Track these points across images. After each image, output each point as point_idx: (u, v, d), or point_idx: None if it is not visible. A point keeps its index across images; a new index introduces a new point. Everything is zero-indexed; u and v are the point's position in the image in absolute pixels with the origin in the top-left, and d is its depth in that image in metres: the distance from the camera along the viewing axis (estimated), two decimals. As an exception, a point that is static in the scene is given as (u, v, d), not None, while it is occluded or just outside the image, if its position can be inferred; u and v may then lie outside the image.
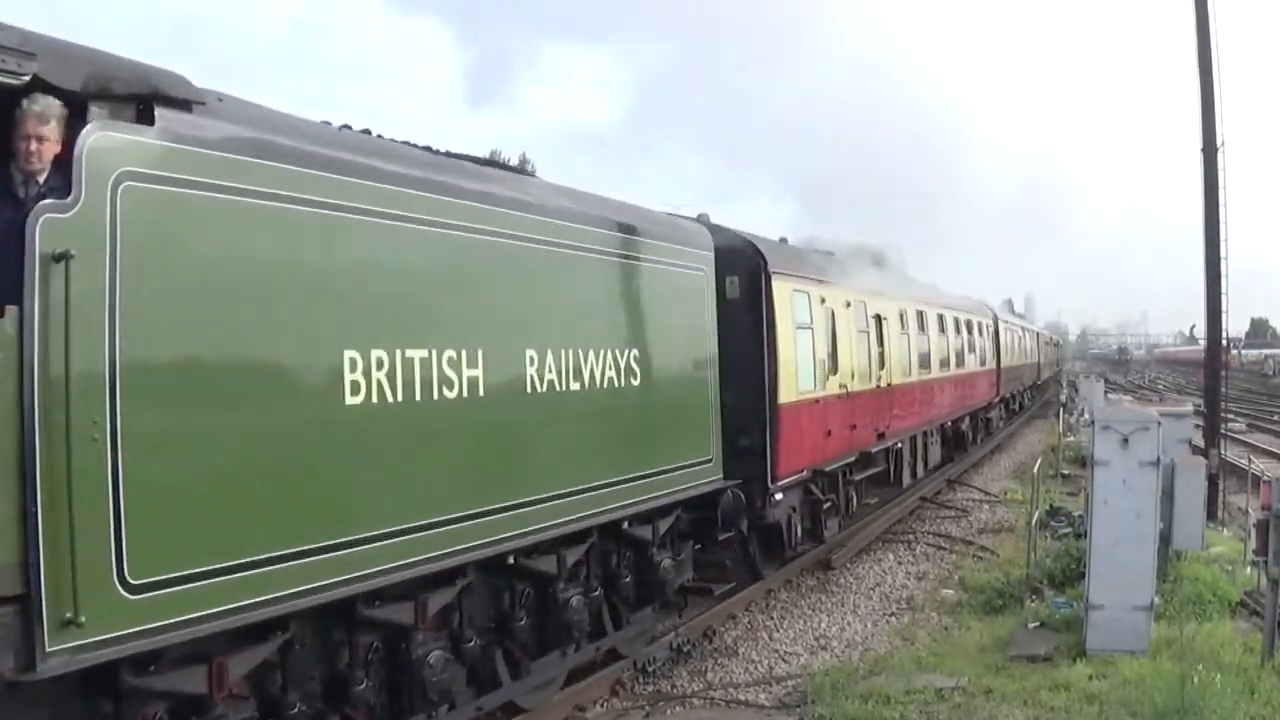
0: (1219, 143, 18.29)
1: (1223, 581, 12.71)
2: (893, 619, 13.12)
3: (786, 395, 13.02)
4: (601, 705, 9.90)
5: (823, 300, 14.73)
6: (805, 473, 13.95)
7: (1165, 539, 11.80)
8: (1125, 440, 10.47)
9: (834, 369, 14.99)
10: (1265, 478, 11.80)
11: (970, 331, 27.71)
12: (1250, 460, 21.77)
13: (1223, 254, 18.38)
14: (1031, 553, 14.09)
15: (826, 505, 15.09)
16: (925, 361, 21.66)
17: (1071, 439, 29.85)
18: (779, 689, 10.32)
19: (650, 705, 9.93)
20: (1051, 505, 18.67)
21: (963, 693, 9.49)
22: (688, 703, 10.05)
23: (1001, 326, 33.82)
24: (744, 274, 12.62)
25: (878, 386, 17.51)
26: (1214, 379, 19.82)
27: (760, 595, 13.76)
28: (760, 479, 12.62)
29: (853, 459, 16.18)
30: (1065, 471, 24.46)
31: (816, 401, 14.23)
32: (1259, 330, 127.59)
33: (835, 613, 13.42)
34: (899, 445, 19.14)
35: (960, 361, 25.75)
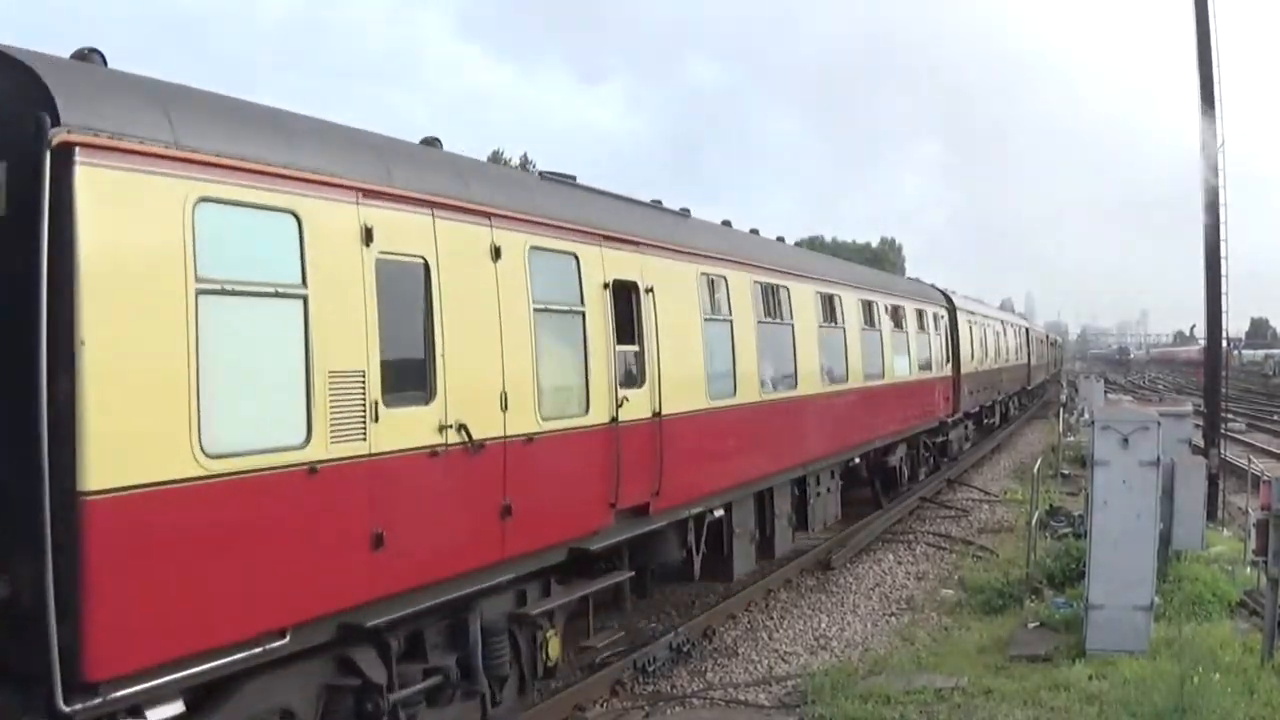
0: (1219, 143, 18.35)
1: (1223, 581, 12.74)
2: (892, 619, 13.12)
3: (134, 469, 5.43)
4: (601, 705, 9.90)
5: (367, 236, 6.93)
6: (288, 639, 6.35)
7: (1165, 539, 11.83)
8: (1125, 440, 10.48)
9: (428, 395, 7.44)
10: (1265, 478, 11.80)
11: (903, 324, 20.61)
12: (1250, 460, 21.79)
13: (1223, 254, 18.45)
14: (1031, 553, 14.12)
15: (435, 680, 7.79)
16: (787, 368, 14.19)
17: (1071, 439, 29.88)
18: (779, 689, 10.32)
19: (650, 705, 9.92)
20: (1051, 505, 18.71)
21: (963, 693, 9.50)
22: (687, 702, 10.05)
23: (962, 319, 26.83)
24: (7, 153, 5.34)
25: (614, 420, 9.65)
26: (1214, 379, 19.84)
27: (760, 595, 13.76)
28: (39, 677, 5.13)
29: (530, 570, 8.78)
30: (1065, 471, 24.48)
31: (311, 472, 6.45)
32: (1259, 330, 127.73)
33: (835, 613, 13.42)
34: (716, 512, 12.06)
35: (879, 367, 18.40)
